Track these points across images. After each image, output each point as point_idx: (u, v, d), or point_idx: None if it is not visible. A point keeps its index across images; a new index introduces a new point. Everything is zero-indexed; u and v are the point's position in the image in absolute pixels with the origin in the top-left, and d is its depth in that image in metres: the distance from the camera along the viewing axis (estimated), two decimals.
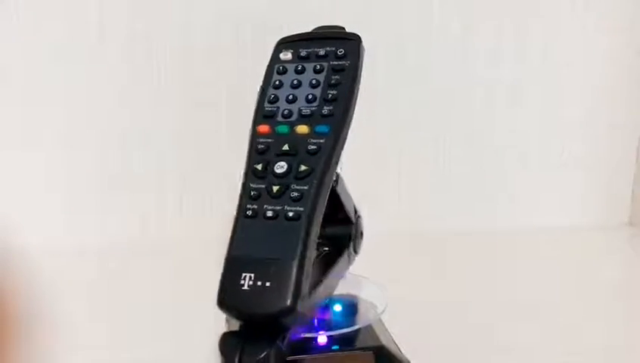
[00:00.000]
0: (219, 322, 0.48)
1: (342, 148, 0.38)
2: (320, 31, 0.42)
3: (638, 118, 0.78)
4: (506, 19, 0.74)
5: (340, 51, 0.40)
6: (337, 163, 0.38)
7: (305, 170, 0.37)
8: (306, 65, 0.41)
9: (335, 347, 0.41)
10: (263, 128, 0.40)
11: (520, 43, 0.74)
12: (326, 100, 0.39)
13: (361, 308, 0.44)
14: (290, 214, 0.36)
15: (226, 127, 0.71)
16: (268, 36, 0.44)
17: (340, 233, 0.45)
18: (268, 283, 0.35)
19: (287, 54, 0.42)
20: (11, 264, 0.63)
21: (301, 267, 0.35)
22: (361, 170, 0.42)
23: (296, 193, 0.37)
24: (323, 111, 0.39)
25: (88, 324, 0.52)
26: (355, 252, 0.45)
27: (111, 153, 0.72)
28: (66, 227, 0.72)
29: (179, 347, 0.48)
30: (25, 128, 0.70)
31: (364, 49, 0.40)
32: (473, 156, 0.76)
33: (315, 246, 0.36)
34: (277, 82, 0.41)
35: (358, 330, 0.41)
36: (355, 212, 0.45)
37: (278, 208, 0.36)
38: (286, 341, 0.35)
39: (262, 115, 0.40)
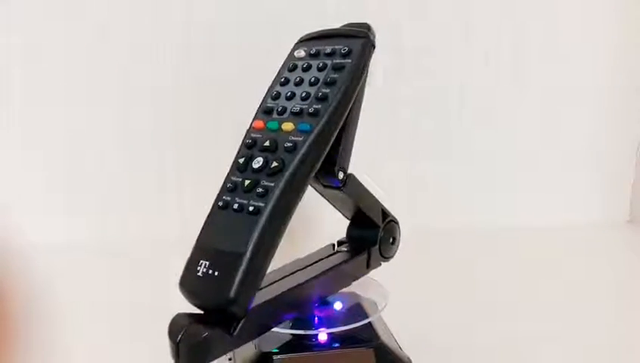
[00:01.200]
0: None
1: (324, 148, 0.38)
2: (335, 28, 0.41)
3: (638, 116, 0.78)
4: (505, 18, 0.74)
5: (344, 49, 0.39)
6: (314, 162, 0.37)
7: (275, 167, 0.37)
8: (312, 63, 0.41)
9: (336, 344, 0.41)
10: (258, 123, 0.40)
11: (521, 42, 0.74)
12: (316, 99, 0.39)
13: (362, 306, 0.44)
14: (251, 208, 0.36)
15: (228, 127, 0.71)
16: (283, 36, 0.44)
17: (361, 235, 0.45)
18: (217, 273, 0.35)
19: (300, 52, 0.42)
20: (11, 263, 0.63)
21: (251, 261, 0.34)
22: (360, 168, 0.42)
23: (261, 189, 0.36)
24: (310, 109, 0.39)
25: (88, 323, 0.52)
26: (383, 256, 0.45)
27: (111, 153, 0.72)
28: (66, 226, 0.72)
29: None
30: (25, 128, 0.70)
31: (372, 47, 0.39)
32: (472, 156, 0.76)
33: (277, 242, 0.36)
34: (283, 79, 0.41)
35: (358, 328, 0.41)
36: (386, 216, 0.45)
37: (245, 201, 0.37)
38: (236, 331, 0.35)
39: (262, 111, 0.41)
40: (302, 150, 0.37)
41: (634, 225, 0.79)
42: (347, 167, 0.41)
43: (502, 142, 0.77)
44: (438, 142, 0.76)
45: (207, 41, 0.70)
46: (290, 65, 0.41)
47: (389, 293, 0.44)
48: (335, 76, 0.39)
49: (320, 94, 0.39)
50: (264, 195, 0.36)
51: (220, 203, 0.38)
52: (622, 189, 0.80)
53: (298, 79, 0.40)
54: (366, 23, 0.41)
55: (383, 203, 0.45)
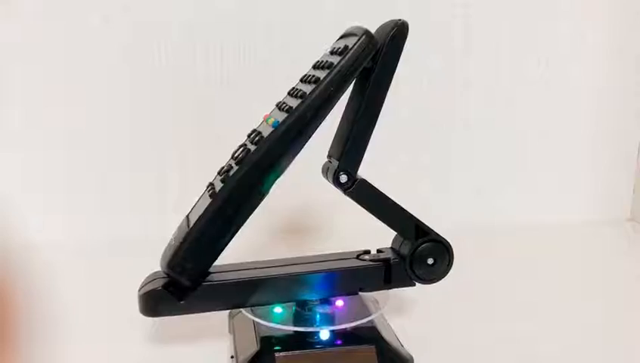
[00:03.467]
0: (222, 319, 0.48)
1: (291, 144, 0.38)
2: (357, 27, 0.40)
3: (638, 114, 0.78)
4: (505, 20, 0.74)
5: (339, 48, 0.39)
6: (273, 159, 0.38)
7: (240, 156, 0.39)
8: (320, 60, 0.41)
9: (338, 342, 0.41)
10: (265, 115, 0.41)
11: (520, 41, 0.74)
12: (297, 96, 0.39)
13: (364, 304, 0.44)
14: (210, 192, 0.39)
15: (226, 126, 0.71)
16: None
17: (398, 247, 0.43)
18: (173, 242, 0.39)
19: (326, 50, 0.42)
20: (11, 262, 0.63)
21: (192, 236, 0.38)
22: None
23: (224, 175, 0.39)
24: (285, 106, 0.39)
25: (87, 323, 0.52)
26: (418, 277, 0.42)
27: (112, 152, 0.72)
28: (66, 225, 0.71)
29: (180, 344, 0.48)
30: (24, 127, 0.70)
31: (368, 46, 0.38)
32: (473, 154, 0.77)
33: (225, 228, 0.38)
34: (303, 76, 0.41)
35: (360, 326, 0.41)
36: (425, 234, 0.42)
37: (213, 183, 0.40)
38: (184, 299, 0.39)
39: (276, 104, 0.42)
40: (265, 144, 0.38)
41: (635, 223, 0.79)
42: (354, 170, 0.40)
43: (501, 140, 0.77)
44: (436, 141, 0.76)
45: (209, 39, 0.70)
46: (315, 63, 0.41)
47: (390, 290, 0.44)
48: (320, 73, 0.39)
49: (300, 91, 0.39)
50: (224, 180, 0.38)
51: (208, 185, 0.41)
52: (622, 187, 0.80)
53: (306, 76, 0.41)
54: (392, 21, 0.39)
55: (418, 219, 0.42)
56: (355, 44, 0.38)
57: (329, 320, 0.42)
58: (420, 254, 0.42)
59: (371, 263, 0.42)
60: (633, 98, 0.78)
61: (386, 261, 0.42)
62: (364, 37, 0.38)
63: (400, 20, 0.39)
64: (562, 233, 0.73)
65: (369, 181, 0.41)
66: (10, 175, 0.70)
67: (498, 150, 0.77)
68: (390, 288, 0.42)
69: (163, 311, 0.39)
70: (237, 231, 0.39)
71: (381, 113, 0.40)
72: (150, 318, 0.42)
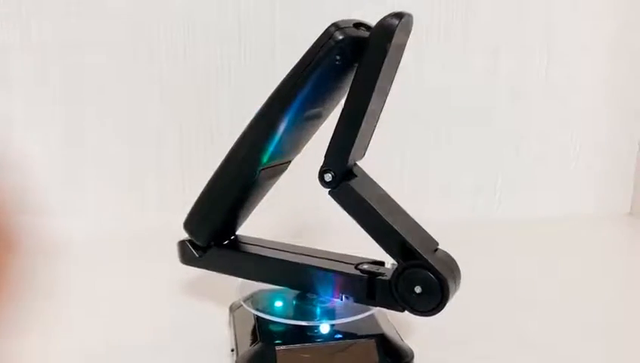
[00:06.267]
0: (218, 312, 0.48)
1: (254, 138, 0.40)
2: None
3: (639, 108, 0.78)
4: (508, 12, 0.74)
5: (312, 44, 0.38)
6: (245, 150, 0.41)
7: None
8: None
9: (338, 335, 0.41)
10: None
11: (521, 35, 0.74)
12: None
13: None
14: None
15: (226, 124, 0.71)
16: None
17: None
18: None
19: None
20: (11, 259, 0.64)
21: (198, 203, 0.44)
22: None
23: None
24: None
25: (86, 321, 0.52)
26: (406, 303, 0.38)
27: (112, 147, 0.71)
28: (68, 219, 0.71)
29: (179, 341, 0.48)
30: (25, 126, 0.70)
31: (330, 40, 0.36)
32: (474, 148, 0.77)
33: (228, 200, 0.43)
34: None
35: (360, 319, 0.41)
36: (412, 255, 0.37)
37: None
38: (199, 254, 0.45)
39: None
40: (250, 122, 0.40)
41: (634, 218, 0.79)
42: (338, 170, 0.38)
43: (502, 135, 0.77)
44: (437, 136, 0.76)
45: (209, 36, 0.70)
46: None
47: None
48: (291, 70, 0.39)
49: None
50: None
51: None
52: (622, 182, 0.80)
53: None
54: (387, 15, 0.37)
55: (407, 237, 0.37)
56: (317, 41, 0.37)
57: (330, 314, 0.42)
58: (406, 279, 0.38)
59: (356, 272, 0.41)
60: (634, 93, 0.78)
61: (372, 275, 0.40)
62: (328, 28, 0.37)
63: (392, 15, 0.36)
64: (562, 226, 0.73)
65: (371, 181, 0.40)
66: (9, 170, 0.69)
67: (499, 144, 0.77)
68: (376, 305, 0.41)
69: (187, 260, 0.46)
70: (237, 205, 0.44)
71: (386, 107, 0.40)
72: None
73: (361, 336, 0.41)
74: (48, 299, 0.55)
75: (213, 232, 0.45)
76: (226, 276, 0.45)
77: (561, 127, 0.77)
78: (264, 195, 0.46)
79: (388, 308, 0.40)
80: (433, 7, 0.72)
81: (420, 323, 0.48)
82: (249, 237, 0.47)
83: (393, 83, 0.40)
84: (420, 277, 0.37)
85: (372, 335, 0.41)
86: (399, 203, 0.41)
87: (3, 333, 0.49)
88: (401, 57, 0.39)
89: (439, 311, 0.38)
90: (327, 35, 0.37)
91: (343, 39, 0.37)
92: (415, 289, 0.38)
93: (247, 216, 0.47)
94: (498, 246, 0.69)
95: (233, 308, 0.47)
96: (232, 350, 0.43)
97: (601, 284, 0.59)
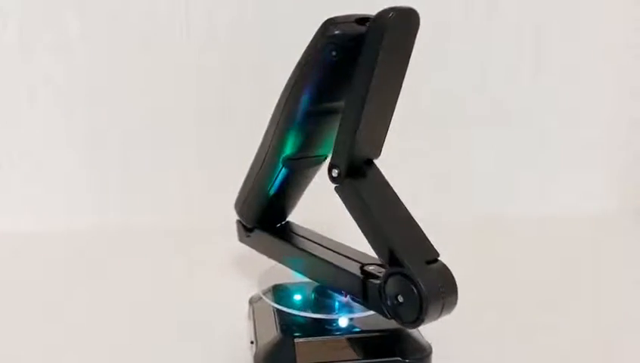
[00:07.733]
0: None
1: (274, 135, 0.41)
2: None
3: None
4: (526, 5, 0.73)
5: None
6: (273, 144, 0.42)
7: None
8: None
9: (356, 329, 0.41)
10: None
11: (539, 25, 0.74)
12: None
13: None
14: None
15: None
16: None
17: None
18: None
19: None
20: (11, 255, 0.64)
21: (243, 186, 0.47)
22: None
23: None
24: None
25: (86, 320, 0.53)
26: (384, 309, 0.38)
27: (112, 147, 0.73)
28: (67, 217, 0.72)
29: (200, 333, 0.49)
30: (45, 122, 0.71)
31: (323, 36, 0.36)
32: (485, 145, 0.76)
33: (256, 182, 0.45)
34: None
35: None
36: (396, 262, 0.36)
37: None
38: (247, 233, 0.48)
39: None
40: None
41: None
42: (342, 167, 0.38)
43: (517, 128, 0.76)
44: (455, 128, 0.76)
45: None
46: None
47: None
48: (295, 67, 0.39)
49: None
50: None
51: None
52: (637, 178, 0.79)
53: None
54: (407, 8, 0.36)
55: (396, 244, 0.36)
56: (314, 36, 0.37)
57: (348, 307, 0.42)
58: (389, 286, 0.37)
59: (356, 272, 0.41)
60: None
61: (366, 276, 0.40)
62: (323, 23, 0.37)
63: (388, 9, 0.35)
64: (576, 224, 0.72)
65: (383, 183, 0.39)
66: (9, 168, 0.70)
67: (514, 137, 0.77)
68: (370, 309, 0.40)
69: (240, 238, 0.49)
70: (277, 193, 0.44)
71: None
72: None
73: (380, 331, 0.41)
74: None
75: (257, 216, 0.47)
76: (248, 267, 0.46)
77: (577, 122, 0.77)
78: (305, 185, 0.46)
79: (379, 313, 0.39)
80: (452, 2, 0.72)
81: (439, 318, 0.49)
82: (297, 226, 0.48)
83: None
84: (401, 286, 0.36)
85: (390, 329, 0.41)
86: (413, 205, 0.40)
87: None
88: (408, 53, 0.37)
89: (419, 324, 0.36)
90: (321, 30, 0.37)
91: (335, 35, 0.36)
92: (398, 297, 0.37)
93: (292, 205, 0.48)
94: (510, 242, 0.68)
95: (253, 301, 0.48)
96: (252, 342, 0.43)
97: (615, 281, 0.59)
